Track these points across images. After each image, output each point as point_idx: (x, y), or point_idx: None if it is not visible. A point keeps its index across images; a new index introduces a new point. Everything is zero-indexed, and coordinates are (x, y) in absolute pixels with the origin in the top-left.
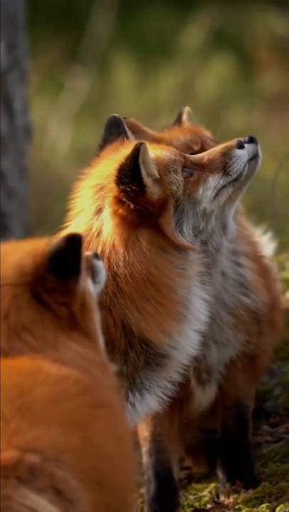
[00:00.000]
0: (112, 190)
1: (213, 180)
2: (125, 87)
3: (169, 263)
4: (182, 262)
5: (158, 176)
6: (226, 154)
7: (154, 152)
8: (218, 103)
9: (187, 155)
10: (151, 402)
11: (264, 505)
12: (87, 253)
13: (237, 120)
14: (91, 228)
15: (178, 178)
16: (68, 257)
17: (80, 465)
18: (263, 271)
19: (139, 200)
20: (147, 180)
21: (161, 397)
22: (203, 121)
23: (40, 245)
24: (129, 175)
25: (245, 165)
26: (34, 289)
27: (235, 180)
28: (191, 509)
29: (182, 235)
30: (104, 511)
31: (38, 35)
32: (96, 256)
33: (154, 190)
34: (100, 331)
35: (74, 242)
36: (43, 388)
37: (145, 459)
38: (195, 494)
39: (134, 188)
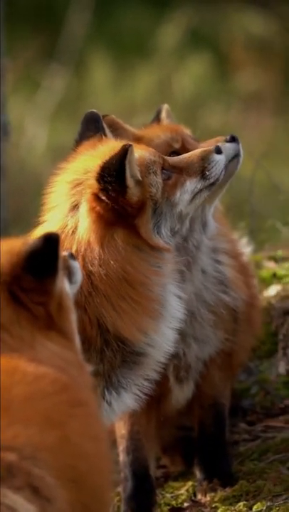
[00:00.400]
0: (92, 186)
1: (191, 184)
2: (102, 86)
3: (145, 261)
4: (157, 260)
5: (140, 178)
6: (205, 159)
7: (136, 153)
8: (194, 102)
9: (166, 157)
10: (127, 400)
11: (241, 503)
12: (63, 253)
13: (213, 119)
14: (66, 225)
15: (157, 180)
16: (45, 256)
17: (57, 463)
18: (242, 268)
19: (119, 200)
20: (130, 182)
21: (137, 395)
22: (179, 120)
23: (17, 245)
24: (113, 174)
25: (222, 170)
26: (11, 288)
27: (212, 184)
28: (168, 507)
29: (160, 237)
30: (81, 509)
31: (15, 34)
32: (72, 256)
33: (134, 192)
34: (76, 331)
35: (51, 241)
36: (20, 387)
37: (122, 457)
38: (172, 492)
39: (115, 187)
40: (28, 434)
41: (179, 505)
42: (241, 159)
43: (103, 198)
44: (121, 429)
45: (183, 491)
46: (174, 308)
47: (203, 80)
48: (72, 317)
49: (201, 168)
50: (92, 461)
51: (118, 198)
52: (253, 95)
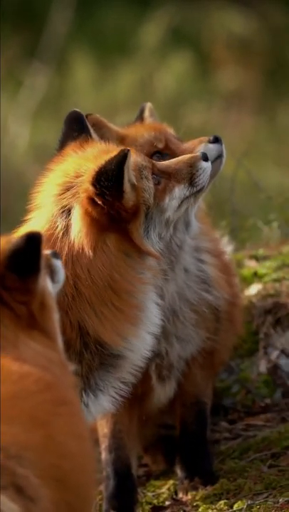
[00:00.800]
0: (87, 190)
1: (179, 191)
2: (84, 84)
3: (132, 268)
4: (143, 266)
5: (135, 183)
6: (193, 166)
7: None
8: (176, 100)
9: (154, 162)
10: (104, 402)
11: (222, 501)
12: (46, 252)
13: (195, 117)
14: (56, 227)
15: (149, 185)
16: (28, 255)
17: (42, 462)
18: (225, 267)
19: (115, 205)
20: (127, 187)
21: (114, 398)
22: (161, 118)
23: None
24: (111, 179)
25: (208, 177)
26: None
27: (199, 191)
28: (150, 506)
29: (150, 242)
30: (64, 508)
31: None
32: (55, 255)
33: (130, 197)
34: (59, 330)
35: (33, 240)
36: (4, 386)
37: (104, 455)
38: (153, 491)
39: (112, 192)
40: (12, 433)
41: (161, 504)
42: (224, 160)
43: (99, 202)
44: (103, 428)
45: (164, 489)
46: (153, 314)
47: (185, 78)
48: (55, 316)
49: (190, 175)
50: (76, 460)
51: (114, 202)
52: (234, 94)
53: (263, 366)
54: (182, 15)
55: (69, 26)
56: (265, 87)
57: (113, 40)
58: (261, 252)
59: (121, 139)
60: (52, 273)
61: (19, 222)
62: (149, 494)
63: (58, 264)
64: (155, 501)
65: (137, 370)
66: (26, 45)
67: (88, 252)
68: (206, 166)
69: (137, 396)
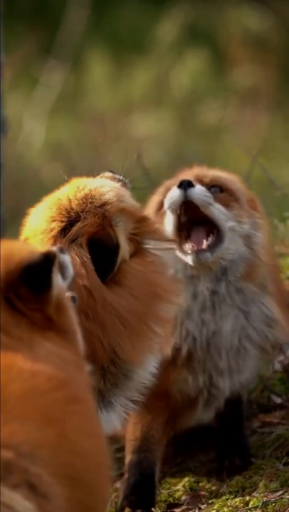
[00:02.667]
0: None
1: None
2: (99, 82)
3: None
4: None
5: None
6: None
7: None
8: (191, 98)
9: None
10: (114, 420)
11: (237, 499)
12: (52, 248)
13: (210, 115)
14: None
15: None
16: (41, 272)
17: (55, 460)
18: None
19: None
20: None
21: (122, 416)
22: (177, 116)
23: (15, 252)
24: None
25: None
26: (6, 295)
27: None
28: (166, 503)
29: None
30: (78, 507)
31: (13, 30)
32: (61, 250)
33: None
34: (77, 328)
35: (48, 259)
36: (16, 384)
37: (130, 457)
38: (169, 489)
39: None
40: (25, 431)
41: (176, 501)
42: None
43: None
44: (136, 431)
45: (180, 486)
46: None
47: (201, 76)
48: (71, 313)
49: None
50: (89, 457)
51: None
52: (250, 91)
53: (278, 364)
54: (197, 12)
55: (85, 24)
56: (281, 84)
57: (129, 38)
58: (277, 249)
59: None
60: (62, 269)
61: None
62: (164, 492)
63: (66, 259)
64: (170, 499)
65: (144, 389)
66: (42, 42)
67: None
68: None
69: (178, 415)
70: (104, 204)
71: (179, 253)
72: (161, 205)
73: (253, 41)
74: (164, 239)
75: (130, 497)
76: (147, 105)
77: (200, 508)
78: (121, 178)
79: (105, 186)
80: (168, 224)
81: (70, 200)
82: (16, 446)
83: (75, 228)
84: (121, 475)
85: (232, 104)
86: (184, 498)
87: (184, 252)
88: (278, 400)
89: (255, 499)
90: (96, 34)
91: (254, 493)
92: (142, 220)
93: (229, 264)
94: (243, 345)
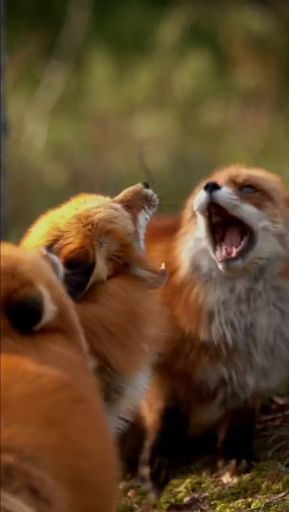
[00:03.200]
0: None
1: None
2: (101, 83)
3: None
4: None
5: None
6: None
7: None
8: (193, 99)
9: None
10: None
11: (239, 500)
12: (41, 250)
13: (213, 116)
14: None
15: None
16: (30, 316)
17: (58, 462)
18: None
19: None
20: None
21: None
22: (179, 117)
23: (19, 262)
24: None
25: None
26: (8, 304)
27: None
28: (168, 505)
29: None
30: (82, 508)
31: (15, 31)
32: (49, 249)
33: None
34: (80, 329)
35: (38, 304)
36: (19, 385)
37: (158, 415)
38: (171, 490)
39: None
40: (27, 433)
41: (178, 503)
42: None
43: None
44: (160, 394)
45: (182, 488)
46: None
47: (203, 76)
48: (73, 313)
49: None
50: (94, 458)
51: None
52: (252, 92)
53: None
54: (200, 13)
55: (87, 25)
56: (283, 85)
57: (131, 39)
58: None
59: None
60: (54, 268)
61: (35, 220)
62: (166, 493)
63: (55, 258)
64: (173, 500)
65: (133, 408)
66: (44, 43)
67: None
68: None
69: (194, 407)
70: (89, 224)
71: (212, 255)
72: None
73: (255, 42)
74: (147, 268)
75: (160, 452)
76: (149, 106)
77: (202, 510)
78: (148, 193)
79: (99, 207)
80: (200, 226)
81: (60, 219)
82: (17, 449)
83: (56, 246)
84: (124, 475)
85: (234, 105)
86: (186, 499)
87: (216, 259)
88: (281, 402)
89: (257, 501)
90: (98, 35)
91: (256, 495)
92: (128, 245)
93: (266, 262)
94: (277, 345)
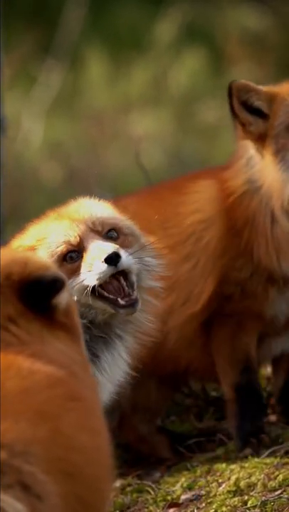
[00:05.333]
0: None
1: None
2: (98, 81)
3: None
4: None
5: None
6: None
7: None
8: (190, 97)
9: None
10: (124, 356)
11: (236, 498)
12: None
13: (209, 114)
14: None
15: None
16: (46, 293)
17: (49, 456)
18: None
19: None
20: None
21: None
22: (175, 115)
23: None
24: None
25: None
26: (19, 291)
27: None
28: (164, 503)
29: None
30: (76, 502)
31: (11, 29)
32: None
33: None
34: (81, 332)
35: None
36: (13, 381)
37: (238, 378)
38: (167, 488)
39: None
40: (18, 429)
41: (175, 501)
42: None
43: None
44: (237, 354)
45: (178, 486)
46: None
47: (199, 75)
48: (77, 317)
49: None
50: (87, 453)
51: None
52: None
53: None
54: (196, 11)
55: (83, 23)
56: (279, 83)
57: (127, 37)
58: None
59: (270, 99)
60: None
61: (31, 218)
62: (163, 491)
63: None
64: (169, 497)
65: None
66: (40, 41)
67: None
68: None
69: (265, 339)
70: None
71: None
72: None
73: (251, 40)
74: None
75: (246, 425)
76: (145, 104)
77: (198, 508)
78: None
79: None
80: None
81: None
82: (9, 445)
83: None
84: (120, 473)
85: None
86: (182, 497)
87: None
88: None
89: (253, 498)
90: (94, 33)
91: (252, 493)
92: None
93: None
94: None
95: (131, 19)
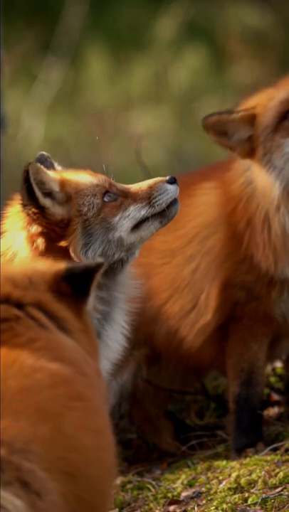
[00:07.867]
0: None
1: (134, 210)
2: (98, 79)
3: None
4: None
5: (62, 196)
6: (154, 186)
7: (71, 176)
8: (190, 95)
9: (115, 183)
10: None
11: (236, 496)
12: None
13: (209, 112)
14: (8, 251)
15: (94, 200)
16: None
17: (49, 455)
18: None
19: (44, 222)
20: (44, 201)
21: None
22: (176, 112)
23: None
24: (27, 197)
25: (173, 201)
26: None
27: (161, 215)
28: (165, 500)
29: (86, 258)
30: (76, 501)
31: (11, 26)
32: None
33: (55, 211)
34: (97, 342)
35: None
36: (15, 379)
37: (238, 390)
38: (168, 485)
39: (34, 210)
40: (18, 426)
41: (176, 498)
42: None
43: (30, 222)
44: (242, 363)
45: (178, 483)
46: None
47: (199, 72)
48: (91, 319)
49: (148, 194)
50: (88, 453)
51: (41, 219)
52: (249, 88)
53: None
54: (196, 9)
55: (83, 20)
56: (279, 81)
57: (127, 35)
58: None
59: (248, 120)
60: None
61: None
62: (163, 488)
63: None
64: (169, 494)
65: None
66: (41, 39)
67: None
68: (170, 188)
69: (277, 340)
70: None
71: None
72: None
73: (252, 37)
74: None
75: (244, 438)
76: (146, 102)
77: (199, 505)
78: (153, 194)
79: None
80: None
81: None
82: (8, 442)
83: None
84: (121, 470)
85: (231, 101)
86: (183, 494)
87: None
88: (276, 397)
89: (254, 496)
90: (95, 30)
91: (253, 490)
92: None
93: None
94: None
95: (132, 16)
